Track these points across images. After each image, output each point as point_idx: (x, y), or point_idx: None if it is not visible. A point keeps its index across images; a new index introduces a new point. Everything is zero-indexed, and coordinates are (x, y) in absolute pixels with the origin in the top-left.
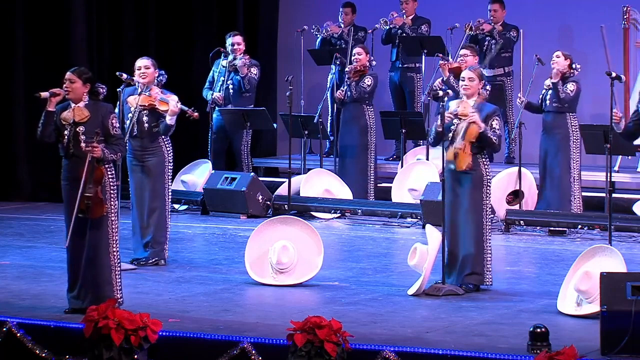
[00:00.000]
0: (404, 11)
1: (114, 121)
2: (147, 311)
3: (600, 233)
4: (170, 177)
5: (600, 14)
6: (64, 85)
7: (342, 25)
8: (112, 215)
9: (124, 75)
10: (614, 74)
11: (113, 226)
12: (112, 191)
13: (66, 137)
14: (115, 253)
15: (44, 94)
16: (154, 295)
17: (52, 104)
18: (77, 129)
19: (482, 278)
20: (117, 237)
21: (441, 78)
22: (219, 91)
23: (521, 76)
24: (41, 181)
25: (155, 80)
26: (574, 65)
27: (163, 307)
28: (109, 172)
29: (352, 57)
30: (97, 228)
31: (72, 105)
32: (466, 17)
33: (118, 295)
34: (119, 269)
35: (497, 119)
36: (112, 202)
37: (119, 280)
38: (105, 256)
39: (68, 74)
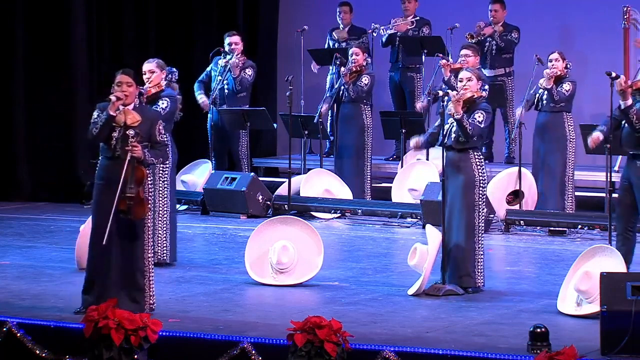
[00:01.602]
0: (405, 11)
1: (160, 127)
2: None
3: (600, 233)
4: (165, 178)
5: (600, 14)
6: (122, 89)
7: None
8: (149, 222)
9: None
10: (613, 74)
11: (149, 232)
12: (150, 197)
13: (114, 138)
14: (149, 259)
15: (113, 98)
16: (154, 295)
17: (114, 107)
18: (127, 132)
19: (474, 280)
20: (151, 243)
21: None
22: (215, 90)
23: None
24: (41, 181)
25: (164, 81)
26: (568, 65)
27: (163, 307)
28: (149, 178)
29: (350, 58)
30: (135, 233)
31: (121, 107)
32: (466, 17)
33: (151, 301)
34: (152, 274)
35: (482, 113)
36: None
37: (153, 286)
38: (140, 262)
39: (124, 77)
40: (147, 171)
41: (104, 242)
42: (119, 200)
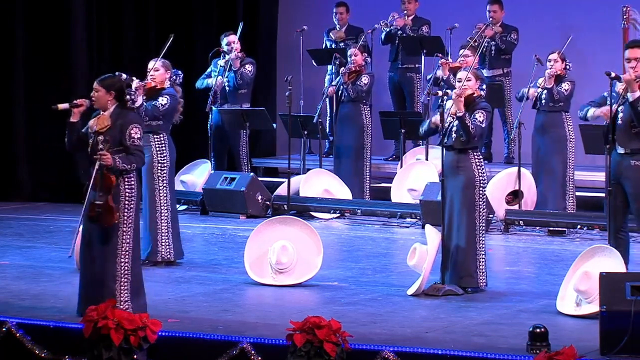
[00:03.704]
0: (405, 12)
1: (132, 131)
2: (147, 311)
3: (600, 233)
4: (163, 177)
5: (600, 14)
6: (91, 94)
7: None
8: (125, 226)
9: (124, 76)
10: (613, 74)
11: (124, 237)
12: (127, 201)
13: (90, 144)
14: (122, 264)
15: (62, 106)
16: (154, 295)
17: (75, 114)
18: (98, 138)
19: (476, 280)
20: (127, 248)
21: (440, 75)
22: (214, 90)
23: None
24: (41, 181)
25: (168, 82)
26: (568, 66)
27: (163, 307)
28: (127, 183)
29: (349, 58)
30: (105, 238)
31: (102, 112)
32: (466, 17)
33: (124, 307)
34: (125, 279)
35: (482, 113)
36: (126, 213)
37: (126, 291)
38: (112, 266)
39: (94, 83)
40: (125, 180)
41: (69, 254)
42: (87, 207)
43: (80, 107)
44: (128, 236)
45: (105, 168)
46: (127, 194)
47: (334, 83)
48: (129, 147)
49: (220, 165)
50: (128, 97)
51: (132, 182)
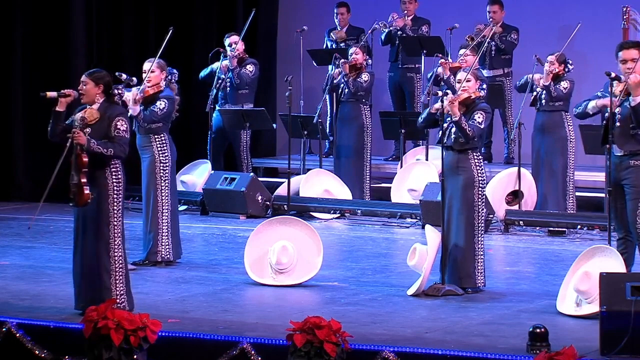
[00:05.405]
0: (405, 12)
1: (118, 123)
2: (147, 311)
3: (600, 233)
4: (165, 177)
5: (600, 14)
6: (79, 87)
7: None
8: (115, 219)
9: (124, 76)
10: (613, 74)
11: (115, 230)
12: (115, 194)
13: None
14: (116, 257)
15: (50, 94)
16: (154, 296)
17: (62, 104)
18: (85, 130)
19: (474, 280)
20: (119, 242)
21: (441, 73)
22: (218, 90)
23: None
24: (40, 181)
25: (163, 82)
26: (569, 66)
27: (163, 308)
28: (114, 174)
29: (350, 57)
30: (97, 232)
31: (89, 105)
32: (466, 17)
33: (119, 300)
34: (120, 273)
35: (482, 113)
36: (115, 206)
37: (121, 285)
38: (105, 260)
39: (83, 77)
40: (112, 170)
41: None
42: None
43: (67, 98)
44: (119, 229)
45: (79, 147)
46: (114, 186)
47: (335, 81)
48: (113, 137)
49: (216, 165)
50: (115, 91)
51: (119, 174)
